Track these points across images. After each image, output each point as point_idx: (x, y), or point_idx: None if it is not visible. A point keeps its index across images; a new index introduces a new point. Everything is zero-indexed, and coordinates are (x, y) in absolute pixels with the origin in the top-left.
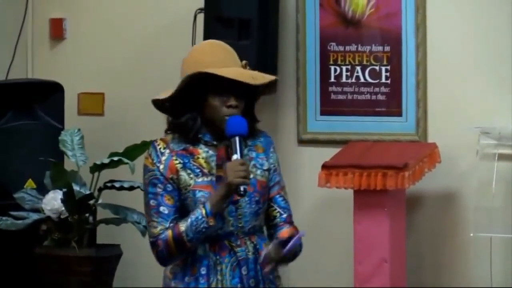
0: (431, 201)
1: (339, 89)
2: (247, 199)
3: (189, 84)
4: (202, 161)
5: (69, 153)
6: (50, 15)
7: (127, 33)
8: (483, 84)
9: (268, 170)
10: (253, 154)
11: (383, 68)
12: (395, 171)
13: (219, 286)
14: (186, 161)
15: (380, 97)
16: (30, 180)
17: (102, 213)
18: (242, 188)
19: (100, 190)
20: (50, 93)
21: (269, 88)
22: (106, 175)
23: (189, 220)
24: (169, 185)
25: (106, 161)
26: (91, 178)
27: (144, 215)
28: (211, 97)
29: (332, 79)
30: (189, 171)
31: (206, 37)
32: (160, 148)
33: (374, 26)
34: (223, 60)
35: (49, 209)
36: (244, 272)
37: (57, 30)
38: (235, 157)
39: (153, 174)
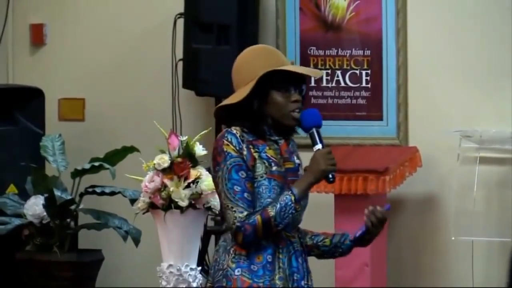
0: (412, 205)
1: (320, 93)
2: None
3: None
4: (272, 152)
5: (50, 158)
6: (30, 21)
7: (108, 39)
8: (464, 88)
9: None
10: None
11: (364, 72)
12: (376, 175)
13: (281, 274)
14: (261, 150)
15: (360, 101)
16: (12, 185)
17: (83, 219)
18: (330, 175)
19: (82, 195)
20: (30, 98)
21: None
22: (87, 180)
23: (278, 205)
24: (250, 173)
25: (87, 166)
26: (72, 183)
27: (223, 200)
28: (275, 95)
29: (313, 84)
30: (264, 161)
31: (186, 42)
32: (239, 136)
33: (355, 30)
34: (282, 60)
35: (31, 214)
36: (300, 262)
37: (37, 35)
38: (318, 147)
39: (237, 160)
